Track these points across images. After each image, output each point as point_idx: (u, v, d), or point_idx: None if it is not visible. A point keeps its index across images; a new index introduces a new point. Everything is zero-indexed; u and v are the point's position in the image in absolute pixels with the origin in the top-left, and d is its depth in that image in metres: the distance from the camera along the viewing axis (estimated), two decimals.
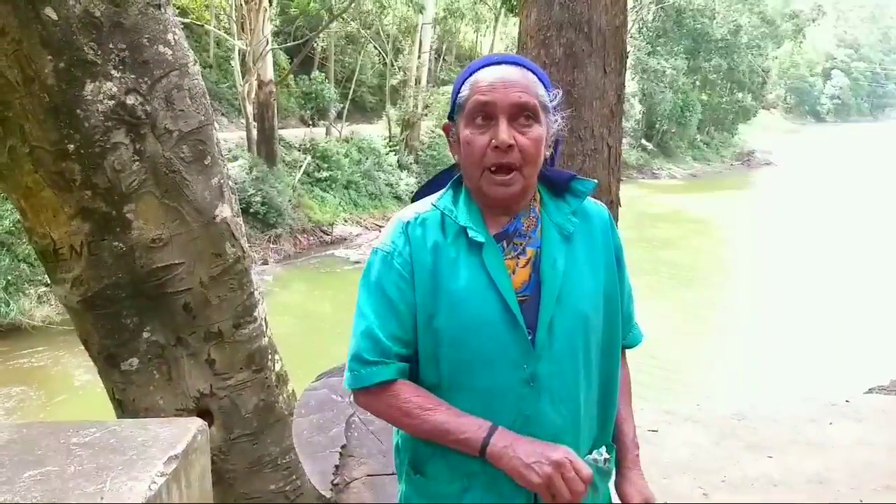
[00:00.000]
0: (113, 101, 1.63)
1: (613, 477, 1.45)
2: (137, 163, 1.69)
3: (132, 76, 1.65)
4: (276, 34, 21.62)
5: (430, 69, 26.05)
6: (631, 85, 30.97)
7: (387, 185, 21.65)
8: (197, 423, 1.46)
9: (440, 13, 25.70)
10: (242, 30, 17.64)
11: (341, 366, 2.64)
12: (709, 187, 31.65)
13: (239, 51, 17.73)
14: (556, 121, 1.33)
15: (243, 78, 17.46)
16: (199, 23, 20.16)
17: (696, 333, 12.04)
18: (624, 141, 3.63)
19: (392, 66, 24.35)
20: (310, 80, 22.02)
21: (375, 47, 24.89)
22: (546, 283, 1.30)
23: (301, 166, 19.16)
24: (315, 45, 23.72)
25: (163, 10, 1.73)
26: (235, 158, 16.79)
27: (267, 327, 2.06)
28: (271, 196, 16.70)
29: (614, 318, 1.39)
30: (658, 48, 33.85)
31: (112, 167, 1.66)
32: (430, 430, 1.27)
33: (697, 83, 38.65)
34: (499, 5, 24.67)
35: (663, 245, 18.48)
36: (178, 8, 18.29)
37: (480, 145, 1.27)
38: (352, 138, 21.85)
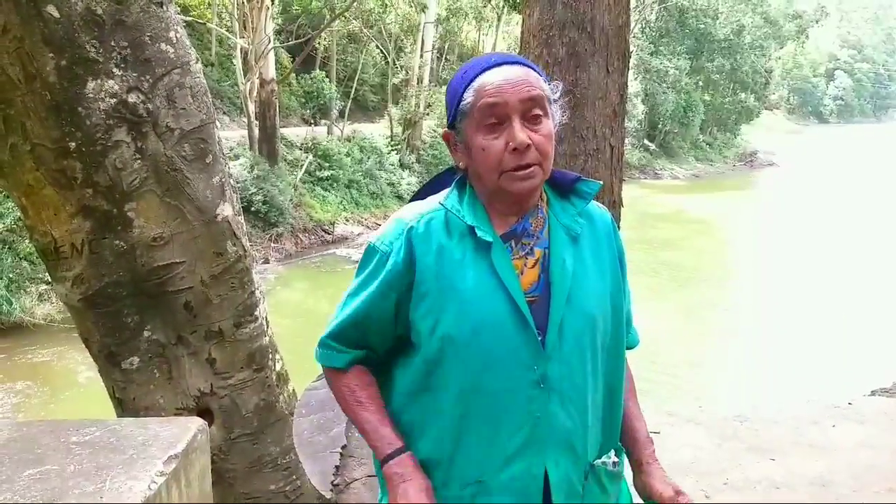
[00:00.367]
0: (114, 99, 1.63)
1: (631, 476, 1.44)
2: (139, 161, 1.68)
3: (134, 74, 1.65)
4: (278, 32, 21.62)
5: (432, 68, 26.03)
6: (633, 85, 30.94)
7: (388, 184, 21.65)
8: (197, 422, 1.46)
9: (442, 12, 25.69)
10: (244, 28, 17.64)
11: None
12: (711, 188, 31.61)
13: (241, 49, 17.73)
14: (558, 112, 1.32)
15: (245, 76, 17.46)
16: (200, 21, 20.18)
17: (697, 334, 12.02)
18: (626, 141, 3.63)
19: (394, 64, 24.34)
20: (311, 78, 22.02)
21: (377, 46, 24.88)
22: (556, 284, 1.29)
23: (303, 165, 19.16)
24: (317, 43, 23.71)
25: (164, 7, 1.72)
26: (237, 157, 16.80)
27: (268, 326, 2.06)
28: (273, 195, 16.70)
29: (619, 320, 1.38)
30: (661, 48, 33.81)
31: (113, 165, 1.65)
32: (355, 421, 1.40)
33: (700, 83, 38.61)
34: (501, 4, 24.67)
35: (665, 246, 18.46)
36: (179, 6, 18.31)
37: (497, 150, 1.24)
38: (353, 137, 21.85)
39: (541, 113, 1.25)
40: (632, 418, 1.46)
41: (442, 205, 1.32)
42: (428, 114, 23.74)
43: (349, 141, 21.53)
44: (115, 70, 1.62)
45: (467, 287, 1.27)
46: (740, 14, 37.95)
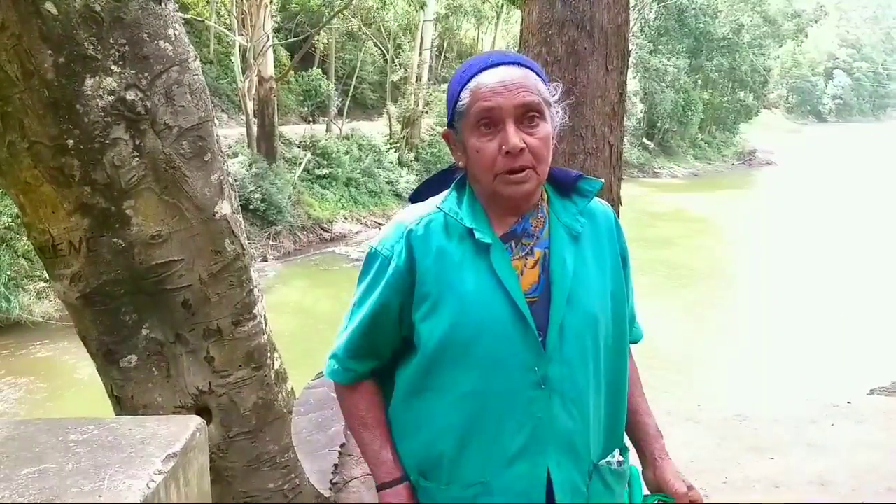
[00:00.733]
0: (113, 97, 1.62)
1: (641, 470, 1.44)
2: (137, 159, 1.68)
3: (132, 71, 1.64)
4: (276, 30, 21.60)
5: (431, 66, 26.03)
6: (632, 84, 30.94)
7: (387, 182, 21.65)
8: (195, 420, 1.45)
9: (441, 10, 25.67)
10: (243, 26, 17.63)
11: None
12: (710, 186, 31.63)
13: (239, 47, 17.73)
14: (558, 112, 1.31)
15: (244, 74, 17.45)
16: (199, 18, 20.14)
17: (696, 333, 12.03)
18: (625, 140, 3.63)
19: (393, 62, 24.32)
20: (309, 76, 22.01)
21: (376, 44, 24.86)
22: (556, 284, 1.28)
23: (301, 163, 19.16)
24: (316, 41, 23.69)
25: (163, 5, 1.71)
26: (235, 155, 16.80)
27: (266, 325, 2.06)
28: (271, 193, 16.70)
29: (621, 319, 1.38)
30: (660, 47, 33.82)
31: (111, 163, 1.65)
32: (358, 441, 1.42)
33: (699, 82, 38.61)
34: (500, 2, 24.65)
35: (664, 244, 18.47)
36: (178, 3, 18.26)
37: (490, 153, 1.24)
38: (352, 135, 21.85)
39: (536, 116, 1.24)
40: (641, 413, 1.46)
41: (439, 208, 1.32)
42: (427, 112, 23.73)
43: (348, 139, 21.52)
44: (113, 67, 1.61)
45: (467, 289, 1.26)
46: (739, 13, 37.98)
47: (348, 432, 2.15)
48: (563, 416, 1.27)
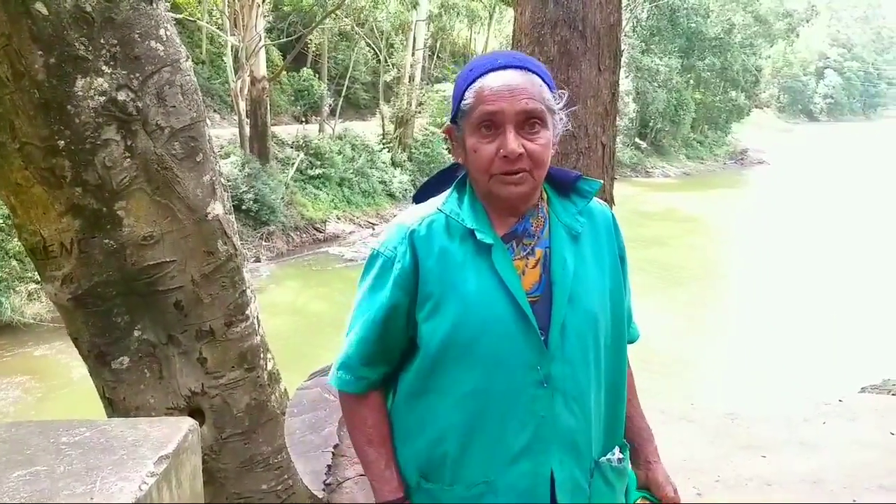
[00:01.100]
0: (104, 97, 1.61)
1: (629, 470, 1.46)
2: (128, 159, 1.67)
3: (123, 72, 1.64)
4: (268, 30, 21.55)
5: (424, 66, 26.03)
6: (625, 83, 31.02)
7: (380, 182, 21.63)
8: (188, 422, 1.45)
9: (434, 9, 25.66)
10: (235, 26, 17.58)
11: None
12: (702, 186, 31.74)
13: (232, 47, 17.67)
14: (561, 119, 1.31)
15: (236, 74, 17.40)
16: (191, 18, 20.07)
17: (689, 332, 12.07)
18: (618, 139, 3.64)
19: (386, 63, 24.30)
20: (300, 76, 21.97)
21: (369, 44, 24.83)
22: (557, 284, 1.29)
23: (294, 163, 19.12)
24: (308, 41, 23.64)
25: (154, 5, 1.71)
26: (228, 155, 16.75)
27: (259, 325, 2.05)
28: (264, 193, 16.66)
29: (620, 318, 1.39)
30: (652, 46, 33.90)
31: (103, 164, 1.64)
32: (360, 456, 1.41)
33: (691, 82, 38.71)
34: (493, 3, 24.67)
35: (656, 243, 18.53)
36: (169, 3, 18.19)
37: (488, 154, 1.25)
38: (345, 135, 21.81)
39: (537, 123, 1.25)
40: (634, 415, 1.49)
41: (440, 210, 1.32)
42: (420, 112, 23.73)
43: (341, 139, 21.48)
44: (104, 68, 1.61)
45: (469, 289, 1.27)
46: (731, 13, 38.09)
47: (342, 433, 2.15)
48: (565, 415, 1.28)
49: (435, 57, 30.01)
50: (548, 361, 1.27)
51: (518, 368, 1.27)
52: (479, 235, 1.28)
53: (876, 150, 45.18)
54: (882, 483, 3.29)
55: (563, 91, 1.33)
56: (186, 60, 1.80)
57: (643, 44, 33.46)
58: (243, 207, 15.95)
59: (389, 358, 1.38)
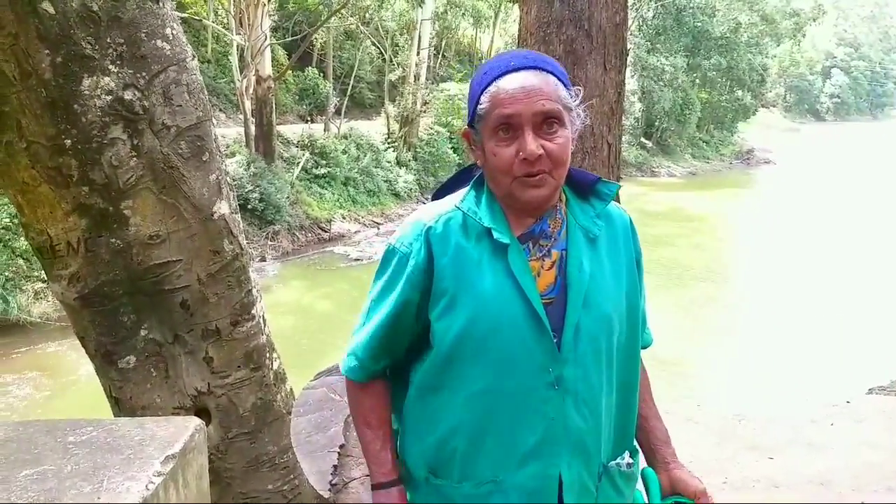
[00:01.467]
0: (110, 96, 1.61)
1: (638, 475, 1.45)
2: (135, 158, 1.67)
3: (130, 71, 1.64)
4: (274, 29, 21.58)
5: (429, 65, 26.01)
6: (630, 83, 30.93)
7: (385, 181, 21.62)
8: (194, 422, 1.45)
9: (440, 8, 25.64)
10: (241, 25, 17.60)
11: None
12: (708, 185, 31.66)
13: (237, 46, 17.69)
14: (578, 116, 1.30)
15: (241, 73, 17.43)
16: (197, 17, 20.11)
17: (695, 332, 12.04)
18: (623, 139, 3.63)
19: (391, 62, 24.30)
20: (306, 75, 21.99)
21: (374, 43, 24.84)
22: (573, 286, 1.29)
23: (299, 163, 19.13)
24: (314, 40, 23.66)
25: (161, 4, 1.71)
26: (233, 154, 16.78)
27: (265, 325, 2.05)
28: (269, 193, 16.68)
29: (634, 322, 1.39)
30: (658, 46, 33.82)
31: (109, 163, 1.64)
32: (360, 437, 1.44)
33: (697, 81, 38.61)
34: (498, 2, 24.65)
35: (662, 243, 18.48)
36: (175, 2, 18.22)
37: (507, 157, 1.24)
38: (350, 135, 21.81)
39: (555, 123, 1.24)
40: (650, 417, 1.48)
41: (458, 207, 1.32)
42: (425, 111, 23.72)
43: (346, 138, 21.49)
44: (110, 67, 1.61)
45: (484, 289, 1.27)
46: (737, 12, 37.95)
47: (348, 433, 2.15)
48: (575, 417, 1.28)
49: (440, 56, 29.99)
50: (560, 364, 1.27)
51: (529, 369, 1.26)
52: (495, 235, 1.28)
53: (883, 150, 44.96)
54: (890, 485, 3.27)
55: (578, 88, 1.32)
56: (192, 59, 1.80)
57: (649, 43, 33.38)
58: (249, 207, 15.98)
59: (395, 353, 1.40)
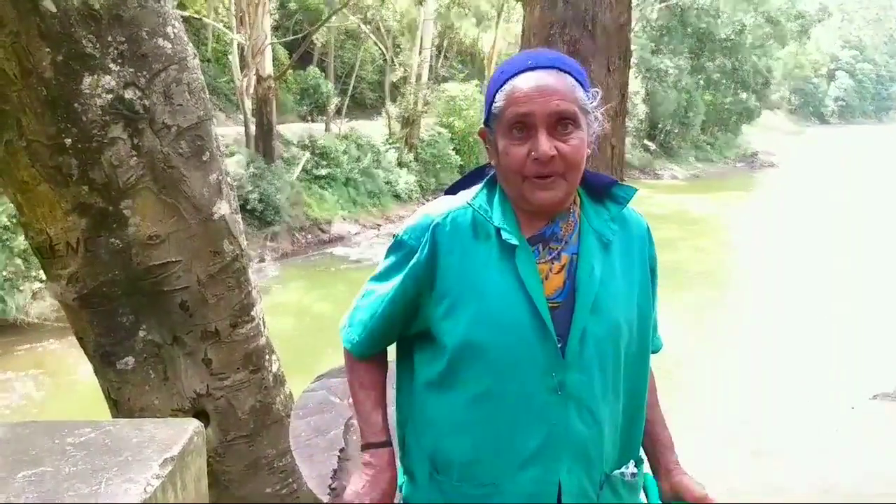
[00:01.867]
0: (111, 95, 1.61)
1: (643, 483, 1.43)
2: (135, 158, 1.66)
3: (131, 70, 1.63)
4: (275, 29, 21.58)
5: (431, 66, 25.97)
6: (634, 84, 30.90)
7: (386, 182, 21.59)
8: (193, 424, 1.44)
9: (442, 8, 25.63)
10: (241, 24, 17.59)
11: (340, 367, 2.61)
12: (711, 188, 31.62)
13: (238, 45, 17.69)
14: (596, 119, 1.28)
15: (242, 73, 17.42)
16: (197, 16, 20.12)
17: (698, 336, 12.00)
18: (627, 140, 3.61)
19: (392, 62, 24.30)
20: (307, 75, 21.99)
21: (376, 43, 24.84)
22: (581, 291, 1.27)
23: (299, 163, 19.11)
24: (315, 40, 23.67)
25: (162, 2, 1.70)
26: (233, 154, 16.75)
27: (264, 327, 2.04)
28: (269, 193, 16.66)
29: (645, 331, 1.37)
30: (662, 47, 33.82)
31: (109, 162, 1.63)
32: (353, 399, 1.45)
33: (701, 83, 38.54)
34: (500, 2, 24.65)
35: (666, 246, 18.32)
36: (176, 1, 18.23)
37: (520, 157, 1.23)
38: (351, 135, 21.79)
39: (570, 124, 1.22)
40: (656, 423, 1.46)
41: (469, 204, 1.31)
42: (426, 112, 23.70)
43: (346, 139, 21.46)
44: (111, 65, 1.60)
45: (489, 289, 1.26)
46: (742, 13, 37.93)
47: (347, 437, 2.13)
48: (577, 424, 1.26)
49: (442, 56, 29.99)
50: (563, 369, 1.25)
51: (532, 374, 1.25)
52: (504, 235, 1.26)
53: (888, 153, 44.90)
54: (894, 491, 3.25)
55: (596, 90, 1.29)
56: (194, 58, 1.79)
57: (653, 44, 33.38)
58: (248, 207, 15.96)
59: (390, 339, 1.42)
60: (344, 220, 19.47)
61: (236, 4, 17.76)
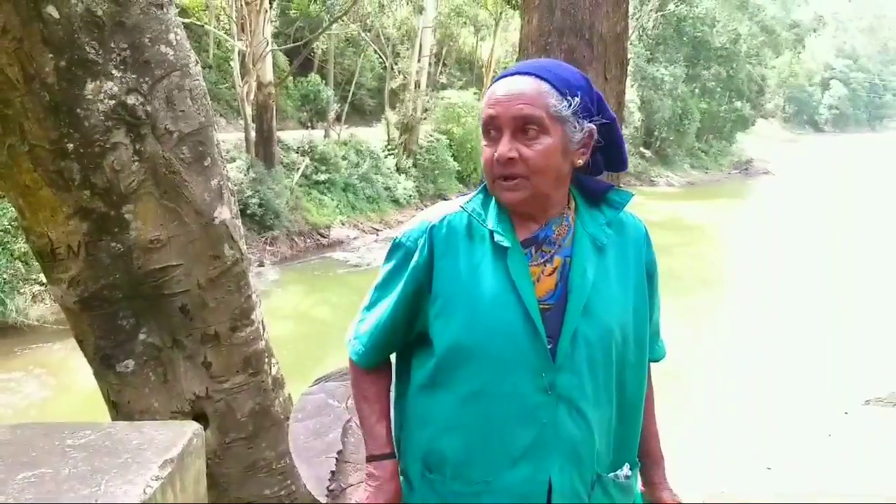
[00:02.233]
0: (113, 101, 1.62)
1: (640, 489, 1.45)
2: (137, 163, 1.68)
3: (133, 76, 1.65)
4: (275, 36, 21.61)
5: (429, 73, 26.03)
6: (630, 92, 30.97)
7: (385, 188, 21.62)
8: (193, 426, 1.45)
9: (442, 16, 25.70)
10: (242, 31, 17.63)
11: (338, 371, 2.62)
12: (706, 195, 31.68)
13: (238, 52, 17.72)
14: (578, 127, 1.28)
15: (242, 79, 17.44)
16: (199, 23, 20.15)
17: (692, 342, 12.02)
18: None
19: (391, 69, 24.35)
20: (308, 82, 22.02)
21: (375, 50, 24.89)
22: (573, 293, 1.29)
23: (299, 168, 19.12)
24: (315, 47, 23.71)
25: (165, 9, 1.72)
26: (233, 160, 16.76)
27: (264, 330, 2.05)
28: (268, 198, 16.67)
29: (642, 336, 1.38)
30: (657, 55, 33.92)
31: (111, 167, 1.65)
32: (357, 412, 1.47)
33: (696, 91, 38.67)
34: (499, 10, 24.73)
35: (660, 252, 18.26)
36: (177, 8, 18.23)
37: (488, 158, 1.28)
38: (350, 141, 21.82)
39: (534, 129, 1.25)
40: (648, 436, 1.48)
41: (462, 208, 1.34)
42: (425, 118, 23.73)
43: (346, 144, 21.49)
44: (114, 72, 1.62)
45: (481, 291, 1.28)
46: (737, 22, 38.07)
47: (346, 440, 2.15)
48: (568, 424, 1.28)
49: (441, 64, 30.05)
50: (554, 370, 1.27)
51: (523, 374, 1.27)
52: (497, 238, 1.29)
53: (881, 162, 45.07)
54: (888, 495, 3.27)
55: (576, 99, 1.26)
56: (196, 65, 1.81)
57: (649, 53, 33.48)
58: (248, 212, 15.96)
59: (397, 346, 1.43)
60: (343, 224, 19.47)
61: (238, 12, 17.79)
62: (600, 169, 1.39)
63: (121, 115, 1.63)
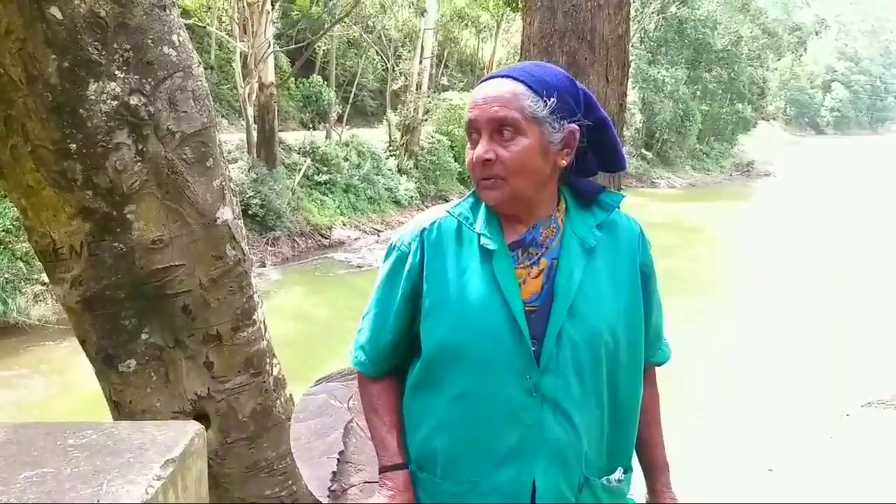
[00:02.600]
0: (116, 102, 1.63)
1: (627, 492, 1.44)
2: (139, 164, 1.68)
3: (136, 77, 1.65)
4: (277, 37, 21.62)
5: (431, 75, 26.04)
6: (631, 94, 30.96)
7: (386, 189, 21.63)
8: (194, 426, 1.45)
9: (445, 12, 25.72)
10: (244, 32, 17.65)
11: (340, 371, 2.62)
12: (708, 197, 31.66)
13: (240, 53, 17.74)
14: (562, 128, 1.28)
15: (244, 80, 17.46)
16: (201, 24, 20.18)
17: (692, 344, 12.00)
18: (624, 150, 3.61)
19: (393, 70, 24.36)
20: (310, 83, 22.05)
21: (377, 52, 24.91)
22: (559, 295, 1.29)
23: (301, 169, 19.14)
24: (317, 48, 23.73)
25: (168, 11, 1.72)
26: (235, 160, 16.78)
27: (265, 330, 2.06)
28: (270, 199, 16.68)
29: (636, 338, 1.37)
30: (659, 57, 33.91)
31: (114, 167, 1.65)
32: (367, 424, 1.47)
33: (698, 93, 38.65)
34: (500, 12, 24.74)
35: (662, 254, 18.25)
36: (180, 9, 18.25)
37: (469, 159, 1.31)
38: (351, 142, 21.84)
39: (510, 131, 1.26)
40: (651, 444, 1.47)
41: (449, 213, 1.36)
42: (426, 120, 23.75)
43: (347, 145, 21.51)
44: (117, 72, 1.62)
45: (468, 294, 1.29)
46: (739, 25, 38.06)
47: (347, 440, 2.14)
48: (553, 426, 1.28)
49: (442, 66, 30.07)
50: (539, 372, 1.27)
51: (508, 375, 1.27)
52: (483, 240, 1.30)
53: (883, 164, 45.03)
54: (889, 497, 3.27)
55: (552, 100, 1.26)
56: (198, 66, 1.81)
57: (650, 55, 33.46)
58: (250, 212, 15.97)
59: (398, 352, 1.42)
60: (344, 225, 19.48)
61: (240, 13, 17.82)
62: (593, 170, 1.39)
63: (123, 116, 1.64)
